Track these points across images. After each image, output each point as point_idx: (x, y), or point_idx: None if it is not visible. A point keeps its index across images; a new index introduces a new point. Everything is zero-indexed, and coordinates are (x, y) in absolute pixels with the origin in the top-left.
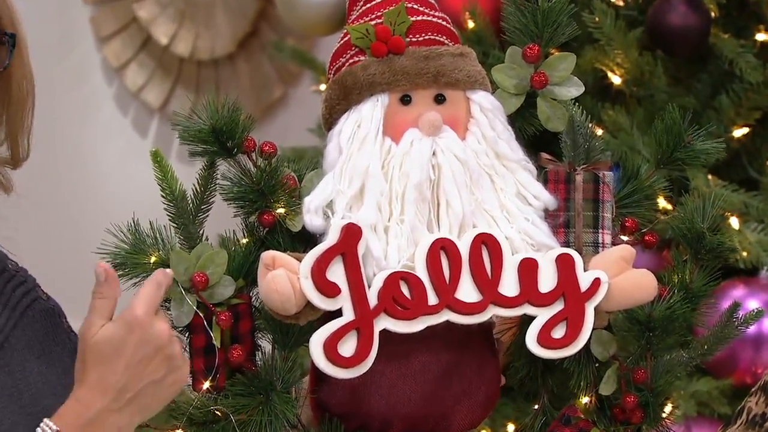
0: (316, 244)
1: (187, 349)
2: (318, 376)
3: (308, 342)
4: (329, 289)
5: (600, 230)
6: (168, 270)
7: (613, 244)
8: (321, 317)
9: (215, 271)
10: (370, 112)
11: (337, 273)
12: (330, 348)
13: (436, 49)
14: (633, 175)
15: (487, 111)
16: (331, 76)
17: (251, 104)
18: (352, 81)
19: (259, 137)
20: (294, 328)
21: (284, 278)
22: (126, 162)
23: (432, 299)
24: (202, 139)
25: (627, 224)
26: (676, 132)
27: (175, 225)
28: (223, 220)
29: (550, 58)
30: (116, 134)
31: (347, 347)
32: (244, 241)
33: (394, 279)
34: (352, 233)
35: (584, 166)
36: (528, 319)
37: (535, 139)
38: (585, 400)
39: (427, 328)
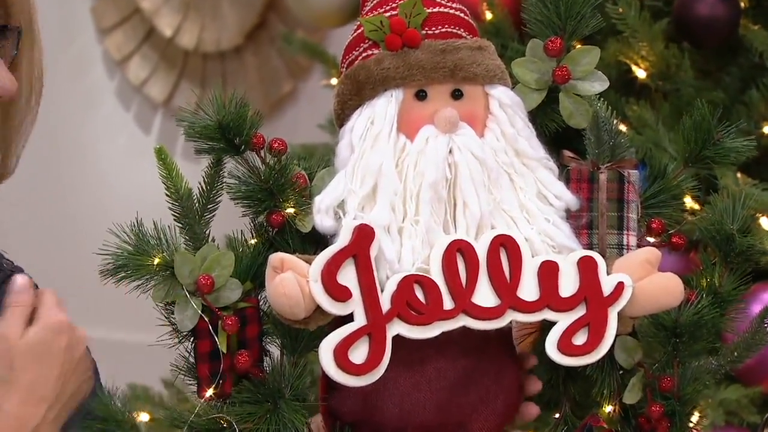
0: (327, 246)
1: (192, 354)
2: (328, 382)
3: (318, 347)
4: (340, 293)
5: (625, 232)
6: None
7: (639, 246)
8: (331, 322)
9: (221, 274)
10: (384, 108)
11: (348, 276)
12: (340, 354)
13: (453, 42)
14: (659, 173)
15: (507, 107)
16: (344, 70)
17: (259, 99)
18: (365, 75)
19: (267, 133)
20: (303, 333)
21: (293, 282)
22: (128, 159)
23: (448, 304)
24: (208, 136)
25: (653, 225)
26: (705, 129)
27: (180, 225)
28: (230, 220)
29: (573, 52)
30: (118, 130)
31: (358, 354)
32: (253, 241)
33: (408, 282)
34: (364, 234)
35: (609, 164)
36: (549, 325)
37: (557, 136)
38: (608, 409)
39: (443, 333)
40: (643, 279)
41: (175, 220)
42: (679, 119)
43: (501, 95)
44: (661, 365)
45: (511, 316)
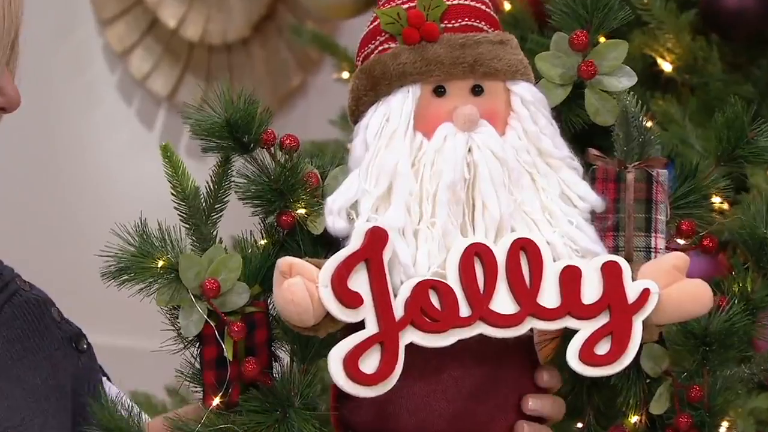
0: (339, 248)
1: (198, 360)
2: (340, 391)
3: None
4: (351, 300)
5: (653, 234)
6: None
7: (668, 249)
8: (343, 329)
9: (228, 277)
10: (400, 104)
11: (360, 281)
12: (351, 364)
13: (473, 36)
14: (690, 173)
15: (529, 104)
16: (359, 63)
17: (267, 93)
18: (381, 70)
19: (275, 129)
20: (314, 339)
21: (301, 287)
22: (130, 156)
23: (464, 310)
24: (215, 134)
25: (683, 227)
26: (739, 126)
27: (187, 226)
28: (239, 220)
29: (600, 46)
30: (119, 126)
31: (370, 363)
32: (262, 243)
33: (423, 288)
34: (377, 237)
35: (637, 163)
36: (571, 332)
37: (581, 133)
38: (634, 419)
39: (459, 341)
40: (671, 286)
41: (181, 220)
42: (707, 114)
43: (523, 92)
44: (690, 374)
45: (531, 324)
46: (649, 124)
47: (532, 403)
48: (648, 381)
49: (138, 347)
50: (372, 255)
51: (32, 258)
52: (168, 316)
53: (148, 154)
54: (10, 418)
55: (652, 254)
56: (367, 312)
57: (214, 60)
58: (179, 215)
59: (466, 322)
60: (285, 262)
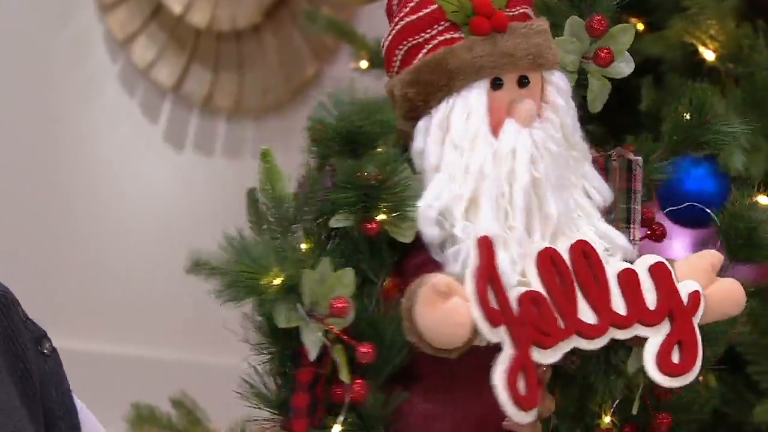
0: (382, 253)
1: (280, 381)
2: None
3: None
4: (494, 318)
5: (632, 225)
6: None
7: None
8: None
9: (344, 294)
10: (478, 100)
11: (489, 297)
12: (513, 387)
13: (530, 25)
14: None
15: (565, 94)
16: (400, 52)
17: (279, 84)
18: (457, 63)
19: (288, 123)
20: (389, 359)
21: (468, 309)
22: (132, 151)
23: (560, 323)
24: (334, 142)
25: (646, 215)
26: None
27: (277, 234)
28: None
29: (613, 30)
30: (121, 119)
31: (521, 385)
32: (304, 247)
33: (527, 300)
34: (488, 247)
35: (615, 150)
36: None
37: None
38: (607, 419)
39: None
40: (711, 286)
41: (270, 230)
42: (753, 107)
43: (559, 81)
44: None
45: (612, 334)
46: (688, 116)
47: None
48: (622, 380)
49: (145, 356)
50: (491, 266)
51: (28, 257)
52: (245, 327)
53: (151, 148)
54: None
55: (631, 246)
56: (501, 330)
57: (223, 48)
58: (268, 222)
59: (565, 335)
60: (443, 281)
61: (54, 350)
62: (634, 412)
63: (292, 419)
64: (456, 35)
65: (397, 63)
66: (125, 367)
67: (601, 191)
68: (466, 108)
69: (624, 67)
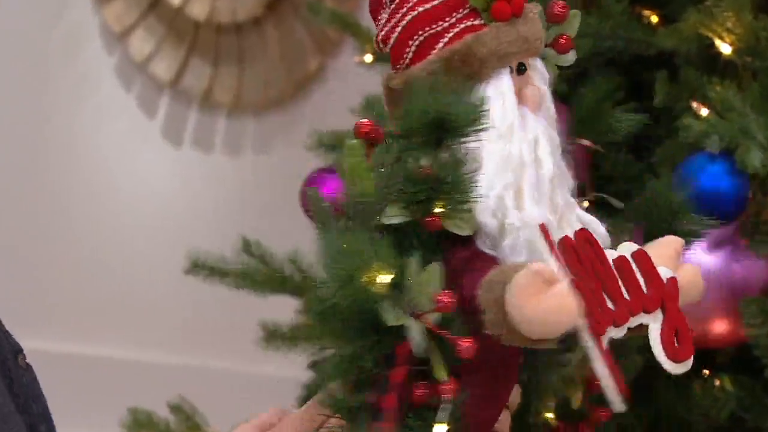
0: (434, 247)
1: (366, 382)
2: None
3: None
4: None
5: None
6: None
7: None
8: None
9: (437, 289)
10: (509, 87)
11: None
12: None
13: (533, 8)
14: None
15: (547, 81)
16: (414, 43)
17: (281, 78)
18: (487, 51)
19: (290, 118)
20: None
21: (573, 294)
22: (129, 147)
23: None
24: (416, 133)
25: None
26: None
27: (360, 231)
28: (242, 222)
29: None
30: (118, 114)
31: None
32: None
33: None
34: (547, 234)
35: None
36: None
37: None
38: (549, 414)
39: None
40: (677, 272)
41: (348, 227)
42: None
43: (542, 67)
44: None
45: (640, 320)
46: (704, 111)
47: None
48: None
49: (142, 359)
50: (556, 254)
51: (22, 255)
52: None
53: (148, 145)
54: None
55: None
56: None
57: (223, 41)
58: (348, 218)
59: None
60: (547, 268)
61: (29, 365)
62: (575, 406)
63: (374, 423)
64: (477, 22)
65: (410, 55)
66: (121, 371)
67: (570, 181)
68: (500, 96)
69: (572, 54)
